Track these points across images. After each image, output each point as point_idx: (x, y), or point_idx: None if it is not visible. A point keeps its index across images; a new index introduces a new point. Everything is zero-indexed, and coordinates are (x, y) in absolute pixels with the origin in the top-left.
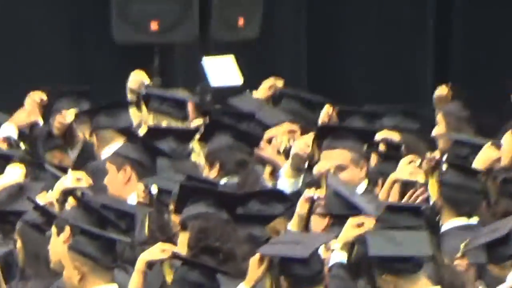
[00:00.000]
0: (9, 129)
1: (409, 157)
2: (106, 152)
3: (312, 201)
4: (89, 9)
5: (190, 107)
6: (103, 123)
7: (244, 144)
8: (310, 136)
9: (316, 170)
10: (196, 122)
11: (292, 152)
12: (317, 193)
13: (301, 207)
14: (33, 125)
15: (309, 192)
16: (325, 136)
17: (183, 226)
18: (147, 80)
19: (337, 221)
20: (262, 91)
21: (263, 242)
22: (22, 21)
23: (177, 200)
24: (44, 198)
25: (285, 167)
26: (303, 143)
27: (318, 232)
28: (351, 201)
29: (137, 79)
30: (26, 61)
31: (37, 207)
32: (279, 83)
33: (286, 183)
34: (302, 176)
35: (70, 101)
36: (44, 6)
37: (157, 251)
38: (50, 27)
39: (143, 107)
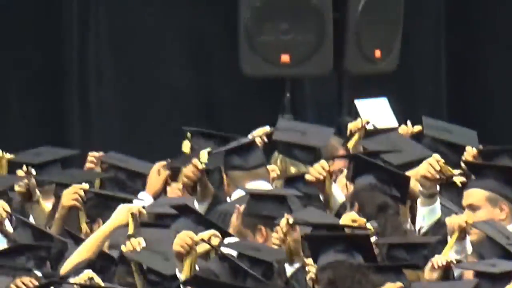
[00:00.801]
0: (145, 197)
1: None
2: (236, 194)
3: None
4: (218, 40)
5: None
6: (235, 163)
7: (388, 186)
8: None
9: None
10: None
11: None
12: None
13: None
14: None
15: None
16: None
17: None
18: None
19: None
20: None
21: None
22: (150, 49)
23: (310, 252)
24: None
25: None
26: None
27: None
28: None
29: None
30: (150, 91)
31: None
32: (416, 128)
33: (422, 212)
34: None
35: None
36: (173, 36)
37: None
38: (178, 56)
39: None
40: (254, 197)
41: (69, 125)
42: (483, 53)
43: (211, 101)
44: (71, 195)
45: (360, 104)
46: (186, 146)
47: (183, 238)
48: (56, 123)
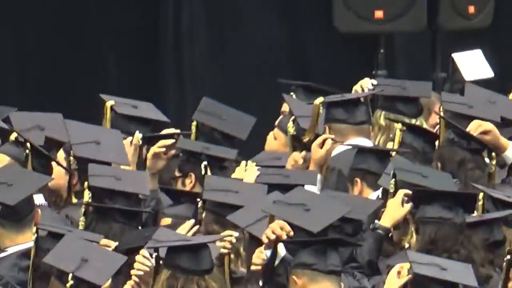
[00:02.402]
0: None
1: None
2: (339, 148)
3: None
4: None
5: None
6: (340, 116)
7: (466, 140)
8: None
9: None
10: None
11: None
12: None
13: None
14: None
15: None
16: None
17: (416, 229)
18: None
19: None
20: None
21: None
22: (239, 8)
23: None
24: None
25: None
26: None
27: None
28: None
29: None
30: (243, 50)
31: None
32: None
33: None
34: None
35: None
36: None
37: None
38: (270, 13)
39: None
40: (361, 152)
41: (164, 84)
42: None
43: (305, 58)
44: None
45: (457, 57)
46: (285, 106)
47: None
48: (152, 82)
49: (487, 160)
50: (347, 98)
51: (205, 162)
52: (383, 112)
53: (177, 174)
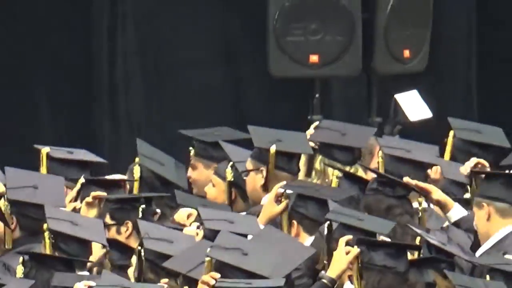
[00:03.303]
0: None
1: None
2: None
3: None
4: (246, 40)
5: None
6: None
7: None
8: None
9: None
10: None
11: None
12: None
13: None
14: None
15: None
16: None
17: (360, 273)
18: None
19: None
20: None
21: None
22: (175, 52)
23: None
24: None
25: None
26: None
27: None
28: None
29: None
30: (178, 93)
31: None
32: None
33: None
34: None
35: None
36: (200, 36)
37: None
38: (206, 56)
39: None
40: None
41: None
42: None
43: (239, 102)
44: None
45: (399, 98)
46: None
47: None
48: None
49: (415, 205)
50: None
51: (143, 206)
52: (320, 157)
53: (109, 221)
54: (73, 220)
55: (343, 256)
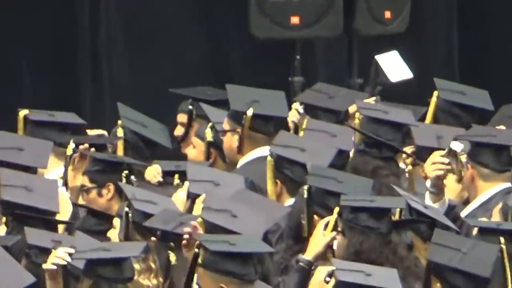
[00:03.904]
0: None
1: None
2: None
3: None
4: (227, 2)
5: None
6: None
7: (377, 149)
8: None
9: None
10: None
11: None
12: None
13: None
14: None
15: None
16: None
17: (343, 231)
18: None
19: None
20: None
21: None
22: (156, 15)
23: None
24: None
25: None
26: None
27: None
28: None
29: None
30: (161, 56)
31: None
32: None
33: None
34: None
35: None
36: (181, 0)
37: None
38: (187, 19)
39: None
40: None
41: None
42: (494, 12)
43: (221, 64)
44: None
45: (380, 59)
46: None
47: None
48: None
49: (402, 166)
50: None
51: (126, 171)
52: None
53: (88, 184)
54: (28, 185)
55: (321, 238)
